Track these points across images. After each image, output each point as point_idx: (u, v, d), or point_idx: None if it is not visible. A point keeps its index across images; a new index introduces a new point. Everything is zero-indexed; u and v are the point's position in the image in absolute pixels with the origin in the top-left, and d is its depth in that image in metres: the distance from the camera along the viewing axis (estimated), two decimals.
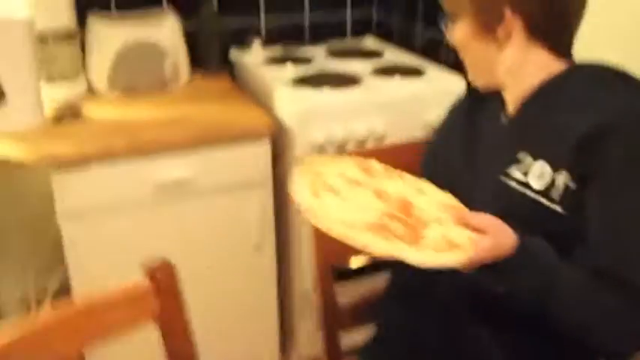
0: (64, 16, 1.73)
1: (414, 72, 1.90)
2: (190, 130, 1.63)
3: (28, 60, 1.59)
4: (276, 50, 2.15)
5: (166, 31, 1.87)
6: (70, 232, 1.57)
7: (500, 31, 1.01)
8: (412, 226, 0.90)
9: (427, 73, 1.89)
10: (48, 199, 1.78)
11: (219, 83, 2.00)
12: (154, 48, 1.85)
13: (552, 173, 0.96)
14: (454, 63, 1.93)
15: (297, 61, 2.02)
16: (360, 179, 1.02)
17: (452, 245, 0.88)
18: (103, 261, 1.63)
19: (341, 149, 1.74)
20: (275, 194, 1.78)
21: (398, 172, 1.08)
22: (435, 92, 1.81)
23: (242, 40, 2.13)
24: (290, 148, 1.73)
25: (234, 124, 1.69)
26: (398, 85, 1.83)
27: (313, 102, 1.72)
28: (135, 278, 0.96)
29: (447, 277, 0.96)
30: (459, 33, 1.07)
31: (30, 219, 2.01)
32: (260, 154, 1.71)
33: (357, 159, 1.08)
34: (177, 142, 1.60)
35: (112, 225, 1.61)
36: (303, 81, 1.84)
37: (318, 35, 2.26)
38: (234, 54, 2.12)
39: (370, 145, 1.76)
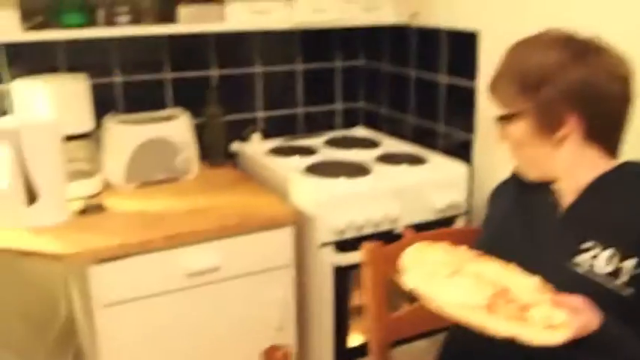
0: (84, 119, 1.77)
1: (417, 160, 2.03)
2: (216, 220, 1.67)
3: (56, 160, 1.60)
4: (275, 142, 2.24)
5: (178, 128, 1.93)
6: (104, 323, 1.56)
7: (559, 134, 1.10)
8: (520, 307, 0.97)
9: (429, 160, 2.03)
10: (56, 290, 1.75)
11: (227, 174, 2.06)
12: (168, 144, 1.90)
13: (620, 259, 1.04)
14: (447, 150, 2.09)
15: (300, 151, 2.12)
16: (455, 264, 1.07)
17: (553, 325, 0.95)
18: (136, 348, 1.62)
19: (359, 232, 1.83)
20: (297, 277, 1.82)
21: (485, 256, 1.09)
22: (440, 178, 1.95)
23: (240, 133, 2.22)
24: (311, 233, 1.79)
25: (257, 213, 1.74)
26: (405, 172, 1.95)
27: (333, 190, 1.80)
28: None
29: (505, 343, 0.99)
30: (515, 132, 1.14)
31: (35, 309, 1.94)
32: (283, 240, 1.76)
33: (447, 245, 1.13)
34: (206, 231, 1.63)
35: (145, 313, 1.61)
36: (314, 170, 1.93)
37: (312, 127, 2.38)
38: (236, 146, 2.19)
39: (385, 227, 1.86)
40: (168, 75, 2.09)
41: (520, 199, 1.24)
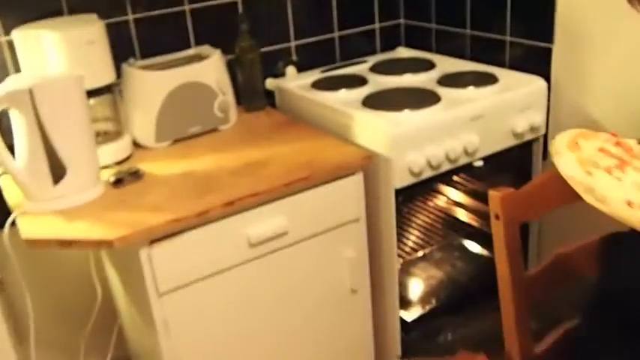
0: (104, 70, 1.47)
1: (485, 79, 1.75)
2: (277, 176, 1.40)
3: (83, 123, 1.31)
4: (312, 74, 1.95)
5: (212, 68, 1.63)
6: (165, 309, 1.32)
7: None
8: None
9: (500, 78, 1.75)
10: (90, 274, 1.53)
11: (269, 117, 1.78)
12: (202, 88, 1.61)
13: None
14: (517, 64, 1.81)
15: (347, 82, 1.83)
16: (624, 157, 0.91)
17: None
18: (204, 334, 1.39)
19: (436, 171, 1.57)
20: (369, 231, 1.58)
21: None
22: (518, 97, 1.67)
23: (273, 68, 1.93)
24: (386, 178, 1.54)
25: (322, 161, 1.48)
26: (476, 94, 1.68)
27: (404, 124, 1.53)
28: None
29: None
30: None
31: (71, 301, 1.72)
32: (353, 190, 1.51)
33: (611, 136, 0.96)
34: (269, 191, 1.37)
35: (210, 295, 1.37)
36: (372, 103, 1.65)
37: (349, 53, 2.08)
38: (272, 84, 1.90)
39: (463, 161, 1.61)
40: (186, 6, 1.77)
41: None
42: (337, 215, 1.51)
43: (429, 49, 2.10)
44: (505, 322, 1.11)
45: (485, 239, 2.02)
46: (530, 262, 1.94)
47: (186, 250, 1.30)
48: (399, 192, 1.56)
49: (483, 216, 2.02)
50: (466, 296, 1.93)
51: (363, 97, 1.70)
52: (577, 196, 1.11)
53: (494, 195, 1.03)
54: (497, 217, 1.04)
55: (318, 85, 1.84)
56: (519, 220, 1.06)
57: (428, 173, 1.57)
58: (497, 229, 1.04)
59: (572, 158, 0.90)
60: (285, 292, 1.50)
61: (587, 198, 0.85)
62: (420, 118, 1.56)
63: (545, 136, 1.78)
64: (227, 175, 1.42)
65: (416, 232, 2.08)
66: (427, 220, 2.13)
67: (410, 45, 2.16)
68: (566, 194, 1.11)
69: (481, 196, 2.00)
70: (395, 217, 1.59)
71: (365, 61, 2.04)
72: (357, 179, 1.51)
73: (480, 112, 1.61)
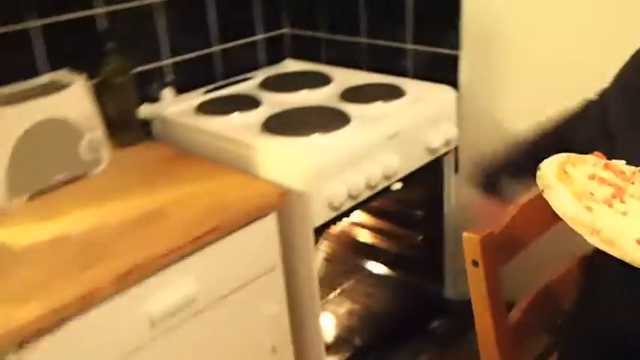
0: None
1: (392, 92, 1.58)
2: (178, 231, 1.13)
3: None
4: (193, 96, 1.67)
5: (74, 100, 1.31)
6: None
7: None
8: None
9: (406, 90, 1.58)
10: None
11: (151, 153, 1.47)
12: (64, 126, 1.28)
13: None
14: (420, 74, 1.67)
15: (237, 104, 1.58)
16: (618, 183, 0.77)
17: None
18: None
19: (355, 200, 1.38)
20: (286, 280, 1.35)
21: None
22: (430, 110, 1.54)
23: (147, 92, 1.63)
24: (302, 216, 1.32)
25: (230, 205, 1.22)
26: (387, 110, 1.51)
27: (318, 151, 1.32)
28: None
29: None
30: None
31: None
32: (266, 234, 1.27)
33: (598, 158, 0.81)
34: (170, 251, 1.09)
35: None
36: (274, 128, 1.42)
37: (231, 69, 1.82)
38: (146, 111, 1.60)
39: (381, 186, 1.43)
40: (36, 22, 1.42)
41: None
42: (251, 266, 1.27)
43: (319, 61, 1.91)
44: None
45: (403, 263, 1.87)
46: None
47: (70, 347, 0.99)
48: (317, 230, 1.35)
49: (399, 240, 1.87)
50: (393, 328, 1.77)
51: (263, 121, 1.46)
52: (553, 223, 0.97)
53: (471, 238, 0.85)
54: (475, 263, 0.85)
55: (203, 109, 1.57)
56: (500, 265, 0.89)
57: (348, 204, 1.37)
58: (477, 278, 0.86)
59: (567, 193, 0.74)
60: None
61: (593, 240, 0.70)
62: (335, 143, 1.36)
63: (456, 149, 1.66)
64: (113, 237, 1.12)
65: (330, 268, 1.88)
66: (339, 251, 1.93)
67: (298, 57, 1.95)
68: (544, 224, 0.97)
69: (396, 218, 1.85)
70: (315, 260, 1.37)
71: (251, 78, 1.80)
72: (270, 221, 1.27)
73: (395, 130, 1.44)
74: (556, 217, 0.97)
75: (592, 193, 0.75)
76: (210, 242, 1.15)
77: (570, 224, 0.72)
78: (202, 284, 1.16)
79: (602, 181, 0.77)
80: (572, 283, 1.01)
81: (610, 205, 0.74)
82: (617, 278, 0.93)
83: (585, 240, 0.94)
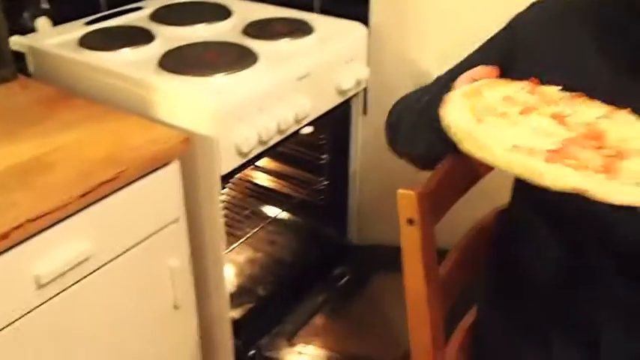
0: None
1: (300, 27, 1.47)
2: (67, 185, 0.98)
3: None
4: (73, 28, 1.46)
5: None
6: None
7: None
8: (605, 157, 0.67)
9: (315, 26, 1.47)
10: None
11: (28, 92, 1.28)
12: None
13: None
14: (331, 8, 1.57)
15: (127, 37, 1.40)
16: (533, 103, 0.76)
17: None
18: None
19: (266, 144, 1.28)
20: (190, 231, 1.24)
21: (582, 98, 0.77)
22: (341, 49, 1.45)
23: (17, 21, 1.40)
24: (208, 163, 1.20)
25: (129, 153, 1.07)
26: (295, 48, 1.39)
27: (228, 94, 1.19)
28: None
29: None
30: None
31: None
32: (168, 184, 1.15)
33: (528, 83, 0.79)
34: (59, 209, 0.94)
35: None
36: (174, 66, 1.27)
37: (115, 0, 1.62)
38: (18, 43, 1.38)
39: (291, 130, 1.34)
40: None
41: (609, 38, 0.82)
42: (151, 220, 1.14)
43: None
44: (416, 338, 0.89)
45: (306, 209, 1.82)
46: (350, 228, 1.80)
47: None
48: (223, 178, 1.24)
49: (304, 185, 1.80)
50: (296, 276, 1.72)
51: (159, 58, 1.30)
52: (484, 173, 0.94)
53: (406, 195, 0.78)
54: (410, 221, 0.79)
55: (88, 42, 1.38)
56: (435, 223, 0.84)
57: (257, 150, 1.27)
58: (412, 237, 0.80)
59: (462, 105, 0.72)
60: (95, 329, 1.10)
61: (466, 147, 0.67)
62: (242, 83, 1.24)
63: (365, 90, 1.60)
64: None
65: (234, 217, 1.78)
66: (241, 198, 1.83)
67: None
68: (475, 175, 0.93)
69: (301, 163, 1.77)
70: (221, 210, 1.27)
71: (139, 8, 1.60)
72: (173, 170, 1.14)
73: (306, 70, 1.34)
74: (486, 167, 0.94)
75: (495, 109, 0.73)
76: (105, 195, 1.01)
77: (447, 131, 0.69)
78: (96, 241, 1.02)
79: (516, 103, 0.75)
80: (493, 235, 0.99)
81: (504, 117, 0.72)
82: (534, 229, 0.92)
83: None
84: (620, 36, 0.82)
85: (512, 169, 0.64)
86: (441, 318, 0.88)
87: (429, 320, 0.85)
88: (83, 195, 0.97)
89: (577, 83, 0.79)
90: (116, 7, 1.59)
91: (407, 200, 0.77)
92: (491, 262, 1.01)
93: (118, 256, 1.09)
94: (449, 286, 0.89)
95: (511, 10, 1.35)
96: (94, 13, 1.55)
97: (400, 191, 0.78)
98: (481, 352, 1.01)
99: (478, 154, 0.66)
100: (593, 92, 0.78)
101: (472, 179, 0.93)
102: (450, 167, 0.84)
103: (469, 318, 1.03)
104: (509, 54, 0.89)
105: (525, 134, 0.69)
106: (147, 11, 1.58)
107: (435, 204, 0.80)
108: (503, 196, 1.04)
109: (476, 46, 1.47)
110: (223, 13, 1.57)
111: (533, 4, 0.93)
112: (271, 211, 1.83)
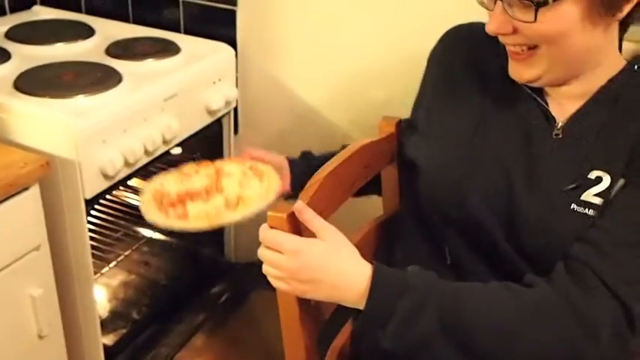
0: None
1: (166, 48, 1.46)
2: None
3: None
4: None
5: None
6: None
7: (626, 7, 0.76)
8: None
9: (180, 46, 1.47)
10: None
11: None
12: None
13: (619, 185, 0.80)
14: (197, 28, 1.58)
15: None
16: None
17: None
18: None
19: (133, 166, 1.26)
20: (54, 258, 1.19)
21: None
22: (208, 69, 1.46)
23: None
24: (71, 188, 1.17)
25: None
26: (161, 68, 1.38)
27: (90, 116, 1.16)
28: None
29: None
30: (561, 18, 0.75)
31: None
32: (28, 210, 1.10)
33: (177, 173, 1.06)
34: None
35: None
36: (31, 87, 1.22)
37: None
38: None
39: (160, 152, 1.33)
40: None
41: (498, 93, 0.90)
42: (10, 248, 1.09)
43: (76, 9, 1.70)
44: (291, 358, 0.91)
45: None
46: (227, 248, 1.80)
47: None
48: (88, 202, 1.21)
49: None
50: (172, 298, 1.69)
51: (14, 78, 1.25)
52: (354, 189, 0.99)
53: (276, 218, 0.78)
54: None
55: None
56: None
57: (124, 173, 1.25)
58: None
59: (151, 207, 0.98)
60: None
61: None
62: (105, 104, 1.21)
63: (236, 110, 1.62)
64: None
65: (103, 239, 1.72)
66: (111, 220, 1.78)
67: (50, 3, 1.71)
68: (345, 191, 0.97)
69: None
70: (87, 235, 1.23)
71: None
72: (33, 195, 1.10)
73: (173, 91, 1.34)
74: (357, 185, 1.00)
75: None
76: None
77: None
78: None
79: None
80: (370, 245, 1.04)
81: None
82: (408, 238, 0.98)
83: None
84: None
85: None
86: (314, 338, 0.90)
87: (303, 340, 0.87)
88: None
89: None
90: None
91: (277, 223, 0.79)
92: None
93: None
94: (322, 304, 0.92)
95: (367, 29, 1.43)
96: None
97: (270, 214, 0.80)
98: None
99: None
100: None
101: (345, 193, 0.97)
102: (322, 184, 0.87)
103: (342, 337, 1.07)
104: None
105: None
106: (2, 29, 1.51)
107: (306, 229, 0.83)
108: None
109: (343, 61, 1.52)
110: (85, 31, 1.53)
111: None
112: (145, 232, 1.79)
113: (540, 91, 0.86)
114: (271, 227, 0.80)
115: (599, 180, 0.80)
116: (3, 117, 1.16)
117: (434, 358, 0.77)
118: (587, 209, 0.80)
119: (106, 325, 1.52)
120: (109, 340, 1.50)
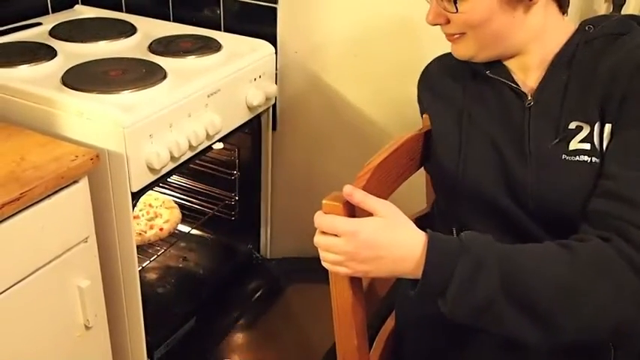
0: None
1: (207, 45, 1.48)
2: None
3: None
4: None
5: None
6: None
7: None
8: None
9: (222, 43, 1.48)
10: None
11: None
12: None
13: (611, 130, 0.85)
14: (238, 26, 1.60)
15: (24, 54, 1.36)
16: None
17: None
18: None
19: (178, 161, 1.28)
20: (101, 250, 1.21)
21: None
22: (249, 65, 1.47)
23: None
24: (118, 181, 1.19)
25: (34, 171, 1.03)
26: (203, 65, 1.39)
27: (137, 111, 1.18)
28: None
29: None
30: (479, 7, 0.86)
31: None
32: (77, 203, 1.12)
33: None
34: None
35: None
36: (79, 83, 1.24)
37: (14, 15, 1.56)
38: None
39: (202, 147, 1.35)
40: None
41: (473, 91, 0.98)
42: (59, 240, 1.10)
43: (117, 8, 1.73)
44: (342, 344, 0.91)
45: (218, 224, 1.81)
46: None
47: None
48: (134, 195, 1.23)
49: (214, 201, 1.80)
50: (210, 293, 1.71)
51: (62, 75, 1.28)
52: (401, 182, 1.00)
53: (332, 206, 0.79)
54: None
55: None
56: None
57: (169, 167, 1.27)
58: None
59: None
60: (3, 352, 1.05)
61: None
62: (152, 99, 1.23)
63: (274, 106, 1.63)
64: None
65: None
66: None
67: (91, 2, 1.74)
68: (394, 183, 0.98)
69: (211, 179, 1.77)
70: (133, 227, 1.25)
71: (39, 24, 1.56)
72: (82, 188, 1.12)
73: (215, 87, 1.35)
74: (403, 177, 1.02)
75: None
76: (9, 216, 0.98)
77: None
78: (0, 264, 0.99)
79: None
80: None
81: None
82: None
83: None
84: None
85: None
86: (364, 323, 0.91)
87: (354, 326, 0.88)
88: None
89: None
90: (13, 23, 1.54)
91: (333, 211, 0.80)
92: None
93: (25, 277, 1.05)
94: (372, 292, 0.92)
95: (408, 24, 1.43)
96: None
97: (325, 202, 0.80)
98: (403, 355, 1.05)
99: None
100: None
101: (394, 184, 0.98)
102: (373, 174, 0.88)
103: (390, 322, 1.07)
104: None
105: None
106: (46, 27, 1.54)
107: (360, 211, 0.83)
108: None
109: (378, 63, 1.55)
110: (127, 29, 1.55)
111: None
112: (182, 227, 1.81)
113: (508, 74, 0.94)
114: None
115: (579, 129, 0.86)
116: (53, 111, 1.19)
117: (494, 324, 0.76)
118: (578, 156, 0.85)
119: (149, 319, 1.54)
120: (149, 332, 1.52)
